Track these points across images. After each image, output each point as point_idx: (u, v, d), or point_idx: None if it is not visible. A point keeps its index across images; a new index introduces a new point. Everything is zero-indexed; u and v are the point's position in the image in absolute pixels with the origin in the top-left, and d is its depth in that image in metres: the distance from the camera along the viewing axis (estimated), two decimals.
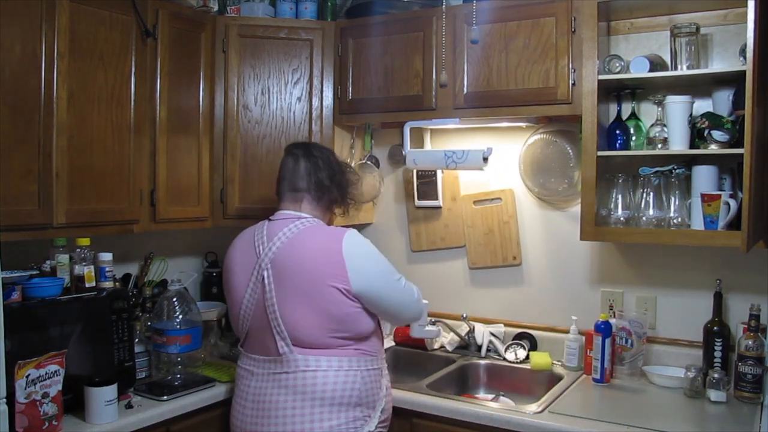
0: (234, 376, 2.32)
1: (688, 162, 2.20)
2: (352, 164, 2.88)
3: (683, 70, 2.16)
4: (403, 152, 2.70)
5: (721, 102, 2.17)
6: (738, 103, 2.06)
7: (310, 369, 1.91)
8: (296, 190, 2.09)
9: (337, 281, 1.90)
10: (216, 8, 2.65)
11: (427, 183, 2.85)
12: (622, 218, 2.30)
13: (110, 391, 1.93)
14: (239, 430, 2.01)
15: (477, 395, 2.56)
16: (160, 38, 2.36)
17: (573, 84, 2.25)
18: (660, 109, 2.27)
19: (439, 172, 2.82)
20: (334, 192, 2.12)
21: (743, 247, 1.94)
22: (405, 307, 2.09)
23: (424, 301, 2.35)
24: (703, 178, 2.13)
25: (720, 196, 2.05)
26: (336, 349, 1.94)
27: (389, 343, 2.83)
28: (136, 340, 2.27)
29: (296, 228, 2.00)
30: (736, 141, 2.04)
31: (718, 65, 2.28)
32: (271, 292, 1.95)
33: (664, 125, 2.23)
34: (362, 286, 1.92)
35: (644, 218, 2.27)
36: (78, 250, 2.18)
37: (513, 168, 2.70)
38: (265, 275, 1.96)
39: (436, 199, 2.84)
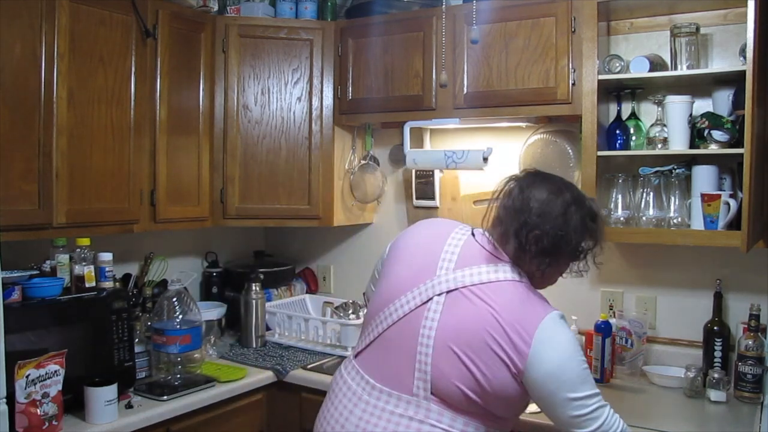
0: (235, 377, 2.34)
1: (688, 162, 2.20)
2: (354, 164, 2.88)
3: (683, 70, 2.16)
4: (404, 152, 2.70)
5: (721, 102, 2.17)
6: (738, 103, 2.05)
7: (442, 427, 1.51)
8: (505, 226, 1.58)
9: (511, 352, 1.48)
10: (216, 8, 2.65)
11: (424, 183, 2.85)
12: (622, 218, 2.30)
13: (110, 391, 1.93)
14: None
15: None
16: (160, 38, 2.36)
17: (573, 84, 2.25)
18: (660, 109, 2.27)
19: (437, 173, 2.82)
20: (563, 263, 1.64)
21: (743, 247, 1.94)
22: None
23: None
24: (703, 178, 2.13)
25: (720, 196, 2.05)
26: (477, 415, 1.54)
27: None
28: (136, 340, 2.27)
29: (495, 276, 1.55)
30: (736, 141, 2.04)
31: (718, 65, 2.27)
32: (432, 322, 1.53)
33: (664, 125, 2.23)
34: (535, 378, 1.48)
35: (644, 218, 2.27)
36: (78, 250, 2.18)
37: (513, 168, 2.70)
38: (434, 301, 1.55)
39: (434, 199, 2.84)
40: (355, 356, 1.68)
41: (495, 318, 1.49)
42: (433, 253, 1.62)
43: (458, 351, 1.50)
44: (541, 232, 1.53)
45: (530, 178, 1.62)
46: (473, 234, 1.66)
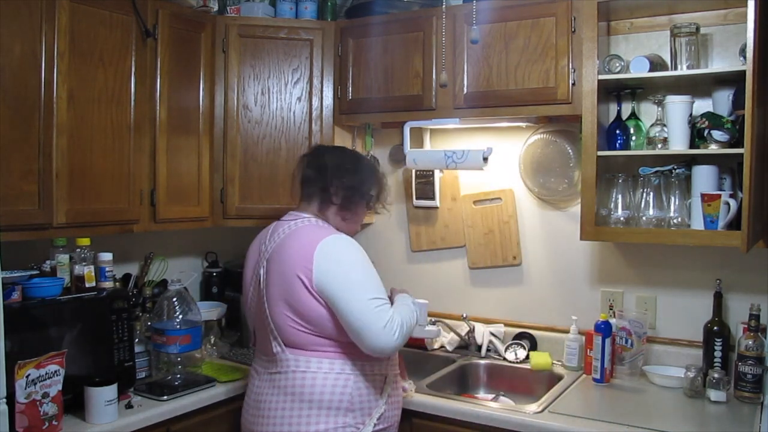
0: (234, 377, 2.35)
1: (688, 162, 2.20)
2: None
3: (683, 70, 2.16)
4: (404, 152, 2.70)
5: (721, 102, 2.17)
6: (738, 103, 2.06)
7: (300, 370, 1.87)
8: (307, 190, 2.03)
9: (301, 272, 1.82)
10: (216, 8, 2.65)
11: (424, 183, 2.85)
12: (622, 218, 2.30)
13: (110, 391, 1.93)
14: (243, 429, 2.01)
15: (477, 395, 2.56)
16: (160, 38, 2.36)
17: (573, 84, 2.25)
18: (660, 109, 2.27)
19: (437, 173, 2.82)
20: (337, 194, 1.99)
21: (743, 247, 1.94)
22: (364, 330, 1.78)
23: (423, 301, 2.34)
24: (703, 178, 2.13)
25: (720, 196, 2.05)
26: (326, 351, 1.87)
27: None
28: (136, 340, 2.27)
29: (294, 226, 1.95)
30: (736, 141, 2.04)
31: (718, 65, 2.28)
32: (263, 290, 1.93)
33: (664, 125, 2.23)
34: (323, 286, 1.81)
35: (644, 218, 2.27)
36: (78, 250, 2.18)
37: (513, 168, 2.70)
38: (261, 273, 1.95)
39: (434, 199, 2.84)
40: (253, 345, 2.10)
41: (290, 255, 1.87)
42: (258, 246, 2.04)
43: (279, 298, 1.87)
44: (339, 184, 1.98)
45: (318, 150, 2.11)
46: (279, 219, 2.04)
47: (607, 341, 2.33)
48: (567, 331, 2.52)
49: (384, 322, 1.78)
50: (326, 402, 1.84)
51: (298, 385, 1.86)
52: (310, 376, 1.86)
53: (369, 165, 2.14)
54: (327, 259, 1.83)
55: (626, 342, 2.36)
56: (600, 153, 2.19)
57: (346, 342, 1.86)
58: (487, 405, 2.16)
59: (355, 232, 2.07)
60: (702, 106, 2.22)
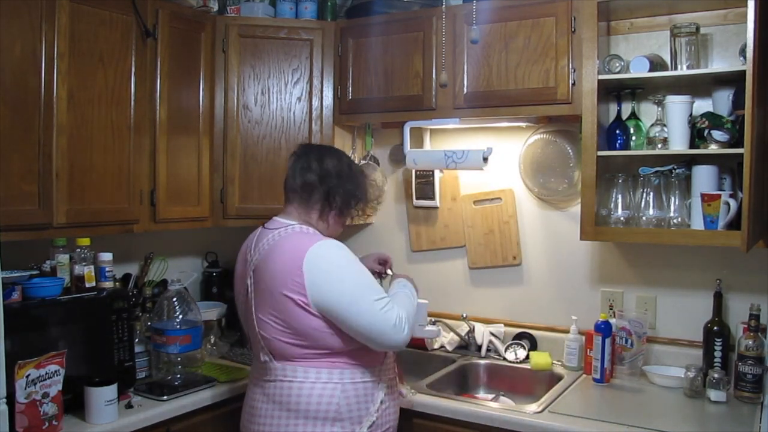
0: (234, 377, 2.35)
1: (688, 162, 2.20)
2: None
3: (683, 70, 2.16)
4: (404, 152, 2.70)
5: (721, 102, 2.17)
6: (738, 103, 2.06)
7: (287, 379, 1.84)
8: (290, 191, 1.96)
9: (294, 292, 1.77)
10: (216, 8, 2.65)
11: (424, 183, 2.85)
12: (622, 218, 2.30)
13: (110, 391, 1.93)
14: (240, 428, 2.01)
15: (477, 395, 2.56)
16: (160, 38, 2.36)
17: (573, 84, 2.26)
18: (660, 109, 2.27)
19: (437, 173, 2.82)
20: (320, 193, 1.92)
21: (743, 247, 1.94)
22: (375, 334, 1.78)
23: (423, 300, 2.34)
24: (703, 178, 2.13)
25: (720, 196, 2.05)
26: (315, 360, 1.84)
27: None
28: (136, 340, 2.27)
29: (278, 236, 1.87)
30: (736, 141, 2.04)
31: (718, 65, 2.28)
32: (251, 301, 1.88)
33: (664, 125, 2.23)
34: (321, 301, 1.77)
35: (644, 218, 2.27)
36: (78, 250, 2.18)
37: (513, 168, 2.70)
38: (249, 283, 1.89)
39: (434, 199, 2.84)
40: (249, 347, 2.09)
41: (277, 272, 1.81)
42: (244, 255, 1.97)
43: (268, 312, 1.84)
44: (341, 191, 1.93)
45: (314, 153, 1.99)
46: (264, 225, 1.97)
47: (607, 341, 2.33)
48: (567, 331, 2.52)
49: (393, 321, 1.79)
50: (313, 412, 1.82)
51: (285, 395, 1.84)
52: (297, 385, 1.83)
53: (358, 168, 2.10)
54: (318, 271, 1.77)
55: (626, 342, 2.36)
56: (600, 153, 2.19)
57: (338, 351, 1.84)
58: (487, 405, 2.16)
59: (338, 234, 2.02)
60: (702, 106, 2.22)
